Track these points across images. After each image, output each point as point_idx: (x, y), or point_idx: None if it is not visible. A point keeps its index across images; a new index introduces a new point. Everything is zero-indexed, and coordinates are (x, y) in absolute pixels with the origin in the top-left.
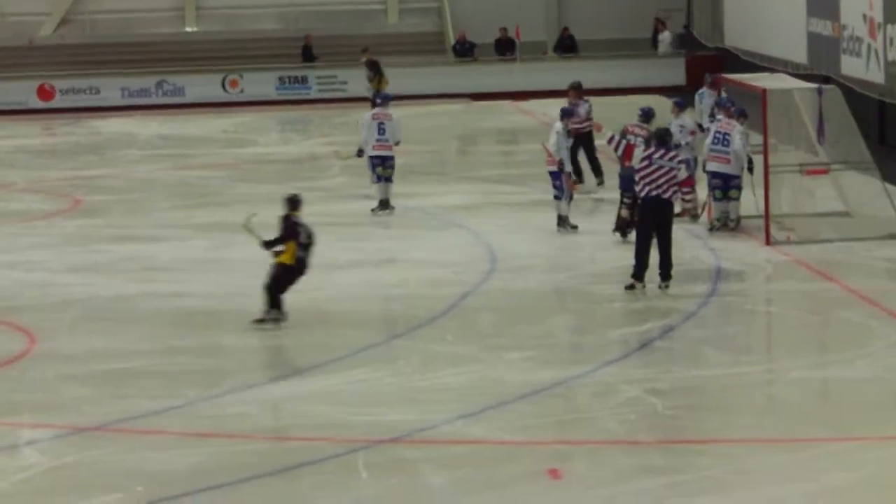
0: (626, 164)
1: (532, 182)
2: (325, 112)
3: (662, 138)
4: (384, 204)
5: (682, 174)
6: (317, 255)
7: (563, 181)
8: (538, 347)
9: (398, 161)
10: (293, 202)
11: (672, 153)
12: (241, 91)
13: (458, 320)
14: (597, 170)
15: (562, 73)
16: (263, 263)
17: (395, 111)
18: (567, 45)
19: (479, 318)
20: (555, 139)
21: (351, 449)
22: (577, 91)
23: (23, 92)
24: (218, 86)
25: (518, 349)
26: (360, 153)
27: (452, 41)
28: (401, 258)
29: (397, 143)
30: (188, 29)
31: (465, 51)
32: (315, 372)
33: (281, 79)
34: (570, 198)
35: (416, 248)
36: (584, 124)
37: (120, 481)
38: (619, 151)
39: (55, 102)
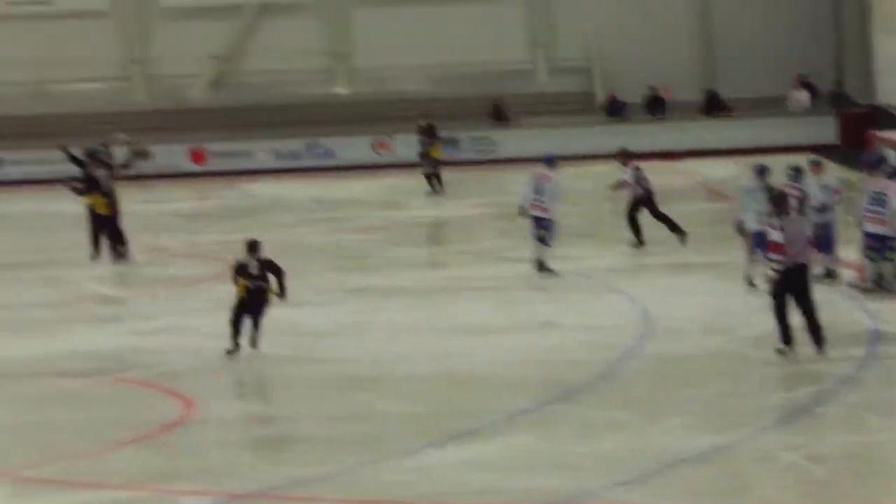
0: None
1: (688, 244)
2: (477, 174)
3: (777, 202)
4: (538, 265)
5: (774, 236)
6: (470, 319)
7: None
8: (695, 412)
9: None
10: (250, 245)
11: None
12: (392, 153)
13: (613, 384)
14: (673, 227)
15: (711, 131)
16: (419, 328)
17: (557, 173)
18: (714, 105)
19: (634, 382)
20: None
21: None
22: (624, 157)
23: (176, 155)
24: (368, 147)
25: (675, 414)
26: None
27: (601, 100)
28: (555, 321)
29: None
30: (338, 90)
31: (615, 110)
32: (470, 437)
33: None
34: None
35: (571, 312)
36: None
37: None
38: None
39: (208, 166)
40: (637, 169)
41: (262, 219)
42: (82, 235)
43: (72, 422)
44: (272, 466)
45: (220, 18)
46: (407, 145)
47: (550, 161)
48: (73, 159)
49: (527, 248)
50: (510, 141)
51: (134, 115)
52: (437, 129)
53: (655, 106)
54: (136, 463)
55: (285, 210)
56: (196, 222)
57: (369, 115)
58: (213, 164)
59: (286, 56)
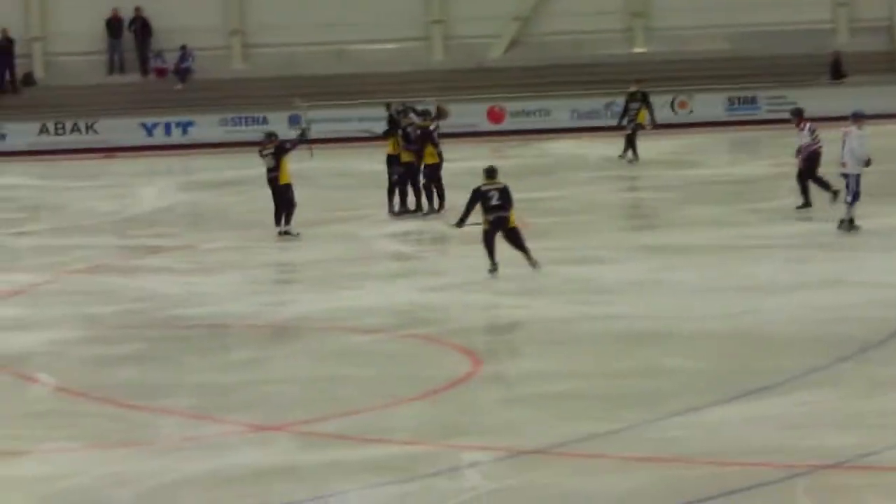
0: None
1: None
2: (775, 133)
3: None
4: (843, 223)
5: None
6: (760, 277)
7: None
8: None
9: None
10: (488, 172)
11: None
12: (691, 112)
13: None
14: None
15: None
16: (708, 287)
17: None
18: None
19: None
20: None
21: (792, 474)
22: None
23: (474, 114)
24: (667, 107)
25: None
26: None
27: None
28: (846, 279)
29: (867, 164)
30: (637, 50)
31: None
32: (756, 395)
33: (730, 99)
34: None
35: (862, 270)
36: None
37: None
38: None
39: (505, 125)
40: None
41: (559, 177)
42: (376, 193)
43: (359, 377)
44: (556, 423)
45: None
46: (704, 104)
47: (856, 117)
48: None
49: (822, 206)
50: (809, 100)
51: (432, 75)
52: (649, 95)
53: None
54: (422, 419)
55: (581, 168)
56: None
57: (667, 74)
58: (511, 123)
59: (584, 16)
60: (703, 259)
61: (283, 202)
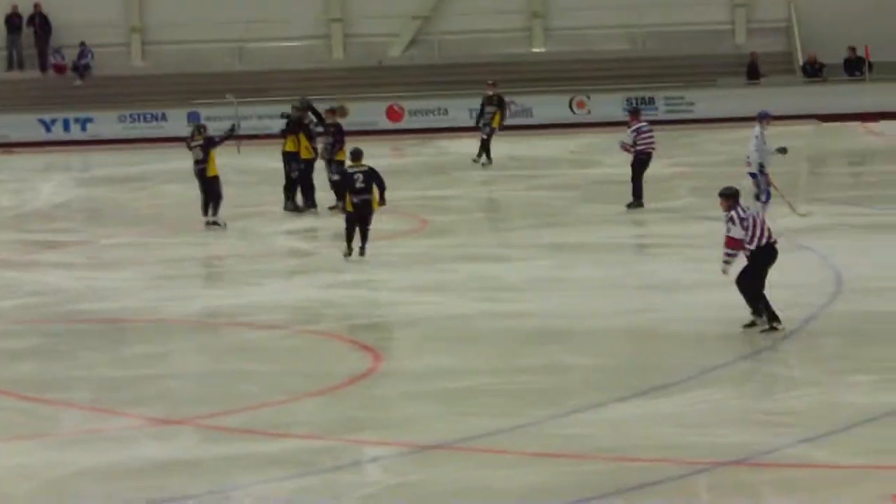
0: None
1: (882, 204)
2: (672, 133)
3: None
4: None
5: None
6: (660, 276)
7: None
8: (884, 371)
9: (744, 182)
10: (353, 155)
11: None
12: (588, 112)
13: (802, 343)
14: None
15: None
16: (609, 284)
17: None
18: None
19: (823, 341)
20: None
21: (693, 471)
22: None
23: (373, 112)
24: (565, 106)
25: (863, 372)
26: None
27: (801, 61)
28: None
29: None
30: (535, 49)
31: (814, 71)
32: (657, 392)
33: (629, 100)
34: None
35: None
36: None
37: (462, 499)
38: None
39: (404, 123)
40: None
41: (458, 175)
42: (275, 190)
43: (259, 372)
44: (458, 419)
45: None
46: (602, 104)
47: (762, 117)
48: (314, 112)
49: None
50: (706, 101)
51: (332, 73)
52: (504, 99)
53: (855, 66)
54: (323, 414)
55: (480, 167)
56: (392, 178)
57: (566, 73)
58: (410, 122)
59: (484, 15)
60: (603, 257)
61: (212, 193)
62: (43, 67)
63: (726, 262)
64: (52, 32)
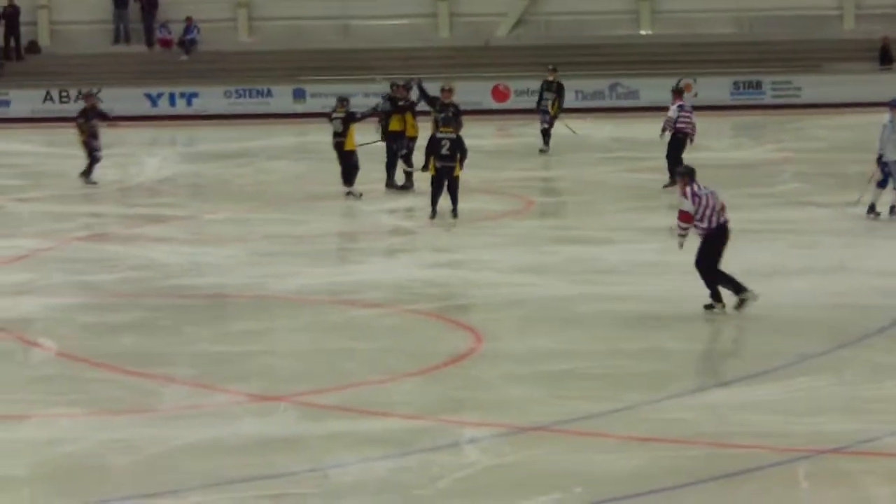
0: None
1: None
2: (779, 118)
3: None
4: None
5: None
6: (763, 261)
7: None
8: None
9: (851, 168)
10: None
11: None
12: (695, 95)
13: None
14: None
15: None
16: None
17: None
18: None
19: None
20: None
21: (792, 458)
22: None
23: (479, 92)
24: (670, 89)
25: None
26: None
27: None
28: (850, 266)
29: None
30: (643, 32)
31: None
32: (758, 378)
33: (735, 83)
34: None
35: (867, 257)
36: None
37: (559, 482)
38: None
39: (509, 103)
40: None
41: (563, 157)
42: (377, 168)
43: (360, 350)
44: (557, 401)
45: None
46: (709, 88)
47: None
48: (424, 93)
49: (825, 192)
50: (813, 86)
51: (437, 52)
52: (563, 87)
53: None
54: (422, 394)
55: (585, 149)
56: (497, 159)
57: (672, 57)
58: (515, 102)
59: None
60: None
61: (348, 165)
62: (149, 42)
63: (681, 236)
64: (158, 7)
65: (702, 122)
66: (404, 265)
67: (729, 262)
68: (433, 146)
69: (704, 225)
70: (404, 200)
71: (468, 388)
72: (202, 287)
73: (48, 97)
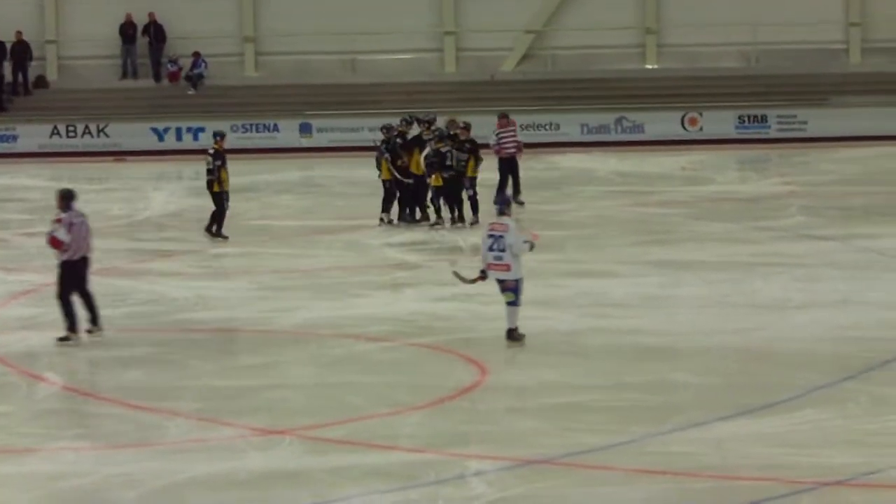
0: None
1: None
2: (784, 151)
3: None
4: None
5: None
6: (769, 294)
7: None
8: None
9: (856, 201)
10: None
11: None
12: (700, 129)
13: None
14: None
15: None
16: (717, 302)
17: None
18: None
19: None
20: None
21: (796, 490)
22: None
23: (485, 126)
24: (677, 123)
25: None
26: None
27: None
28: (853, 299)
29: None
30: (648, 66)
31: None
32: (763, 411)
33: (740, 117)
34: None
35: (870, 290)
36: None
37: None
38: None
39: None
40: None
41: (568, 190)
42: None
43: (365, 384)
44: (562, 434)
45: None
46: (715, 122)
47: None
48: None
49: (830, 225)
50: (819, 120)
51: (444, 87)
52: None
53: None
54: (427, 427)
55: (590, 183)
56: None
57: (678, 90)
58: (521, 136)
59: (597, 31)
60: (712, 275)
61: (389, 193)
62: (157, 77)
63: None
64: (166, 42)
65: (707, 156)
66: (410, 299)
67: (734, 296)
68: (440, 160)
69: (68, 255)
70: (411, 234)
71: (474, 421)
72: (208, 321)
73: (55, 132)
